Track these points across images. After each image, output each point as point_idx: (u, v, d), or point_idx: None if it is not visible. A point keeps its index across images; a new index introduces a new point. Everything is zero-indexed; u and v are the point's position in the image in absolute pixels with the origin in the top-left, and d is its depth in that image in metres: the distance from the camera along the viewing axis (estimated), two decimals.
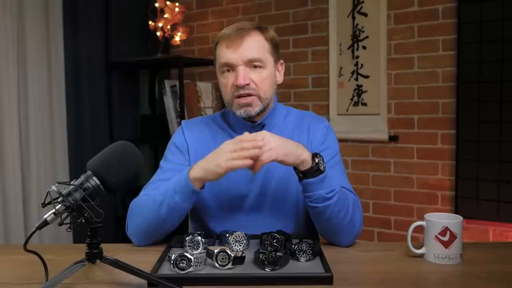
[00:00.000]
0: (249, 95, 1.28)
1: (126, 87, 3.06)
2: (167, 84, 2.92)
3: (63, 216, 0.93)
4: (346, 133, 2.77)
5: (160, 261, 1.09)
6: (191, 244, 1.15)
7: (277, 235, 1.14)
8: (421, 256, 1.15)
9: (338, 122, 2.79)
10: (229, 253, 1.04)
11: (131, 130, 3.08)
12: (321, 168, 1.15)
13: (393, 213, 2.71)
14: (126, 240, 1.33)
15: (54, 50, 2.65)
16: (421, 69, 2.58)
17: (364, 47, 2.71)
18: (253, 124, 1.34)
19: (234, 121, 1.37)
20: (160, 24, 2.93)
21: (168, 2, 2.95)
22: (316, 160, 1.15)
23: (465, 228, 2.19)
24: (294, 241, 1.13)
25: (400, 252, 1.20)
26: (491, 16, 2.33)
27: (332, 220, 1.19)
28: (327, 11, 2.81)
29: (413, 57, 2.59)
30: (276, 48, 1.35)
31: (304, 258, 1.10)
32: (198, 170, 1.17)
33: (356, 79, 2.74)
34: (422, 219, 1.15)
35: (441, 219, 1.12)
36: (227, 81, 1.30)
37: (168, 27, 2.95)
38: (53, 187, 0.92)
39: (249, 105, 1.28)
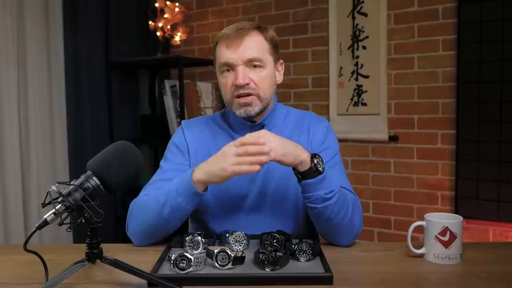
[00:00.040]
0: (249, 94, 1.28)
1: (126, 87, 3.06)
2: (167, 84, 2.92)
3: (63, 216, 0.93)
4: (346, 133, 2.77)
5: (160, 261, 1.09)
6: (191, 244, 1.15)
7: (277, 235, 1.14)
8: (421, 256, 1.15)
9: (338, 122, 2.79)
10: (229, 253, 1.04)
11: (131, 130, 3.08)
12: (320, 169, 1.15)
13: (393, 213, 2.71)
14: (126, 240, 1.33)
15: (54, 50, 2.65)
16: (421, 69, 2.58)
17: (364, 47, 2.71)
18: (253, 124, 1.34)
19: (234, 121, 1.37)
20: (160, 24, 2.93)
21: (168, 2, 2.95)
22: (315, 161, 1.15)
23: (465, 228, 2.19)
24: (294, 241, 1.13)
25: (400, 252, 1.20)
26: (491, 16, 2.33)
27: (331, 221, 1.19)
28: (327, 11, 2.81)
29: (413, 57, 2.59)
30: (276, 48, 1.35)
31: (304, 258, 1.10)
32: (201, 173, 1.17)
33: (356, 79, 2.74)
34: (422, 219, 1.15)
35: (441, 219, 1.12)
36: (226, 80, 1.30)
37: (168, 27, 2.95)
38: (53, 187, 0.92)
39: (248, 104, 1.28)
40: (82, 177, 0.96)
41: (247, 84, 1.27)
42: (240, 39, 1.27)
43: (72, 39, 2.71)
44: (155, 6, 2.93)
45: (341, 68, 2.79)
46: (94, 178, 0.96)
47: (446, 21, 2.49)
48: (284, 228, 1.25)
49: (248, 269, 1.05)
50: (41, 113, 2.58)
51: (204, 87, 3.03)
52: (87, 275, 1.05)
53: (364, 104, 2.73)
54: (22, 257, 1.05)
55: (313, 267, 1.07)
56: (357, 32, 2.72)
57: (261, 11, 3.02)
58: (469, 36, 2.40)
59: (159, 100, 3.17)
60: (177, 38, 3.00)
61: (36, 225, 0.92)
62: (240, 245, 1.18)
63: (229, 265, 1.04)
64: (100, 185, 0.96)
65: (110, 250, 1.08)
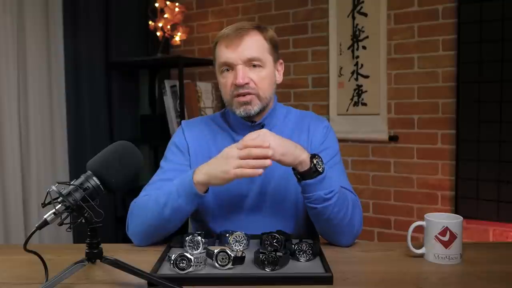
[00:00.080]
0: (248, 94, 1.28)
1: (126, 87, 3.06)
2: (167, 84, 2.92)
3: (63, 216, 0.93)
4: (346, 133, 2.77)
5: (160, 261, 1.09)
6: (191, 244, 1.15)
7: (277, 235, 1.14)
8: (421, 256, 1.15)
9: (338, 122, 2.79)
10: (229, 253, 1.04)
11: (131, 130, 3.08)
12: (320, 169, 1.15)
13: (393, 213, 2.71)
14: (126, 240, 1.33)
15: (54, 50, 2.65)
16: (421, 69, 2.58)
17: (364, 47, 2.71)
18: (253, 124, 1.34)
19: (234, 121, 1.37)
20: (160, 24, 2.93)
21: (168, 2, 2.95)
22: (315, 161, 1.15)
23: (465, 228, 2.19)
24: (294, 241, 1.13)
25: (400, 252, 1.20)
26: (491, 16, 2.33)
27: (331, 221, 1.19)
28: (327, 11, 2.81)
29: (413, 57, 2.59)
30: (275, 47, 1.35)
31: (304, 258, 1.10)
32: (202, 175, 1.16)
33: (356, 79, 2.74)
34: (422, 219, 1.15)
35: (441, 219, 1.12)
36: (226, 80, 1.30)
37: (168, 27, 2.95)
38: (53, 187, 0.92)
39: (248, 103, 1.28)
40: (82, 177, 0.96)
41: (247, 83, 1.27)
42: (239, 39, 1.27)
43: (72, 39, 2.71)
44: (155, 6, 2.93)
45: (341, 68, 2.79)
46: (94, 178, 0.96)
47: (446, 21, 2.49)
48: (284, 228, 1.25)
49: (248, 269, 1.05)
50: (41, 113, 2.58)
51: (204, 87, 3.03)
52: (87, 275, 1.05)
53: (364, 104, 2.73)
54: (22, 257, 1.05)
55: (313, 267, 1.07)
56: (357, 32, 2.72)
57: (261, 11, 3.02)
58: (469, 36, 2.40)
59: (159, 100, 3.17)
60: (177, 38, 3.00)
61: (36, 225, 0.92)
62: (240, 245, 1.18)
63: (229, 265, 1.04)
64: (100, 185, 0.96)
65: (110, 250, 1.08)
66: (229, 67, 1.29)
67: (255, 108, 1.29)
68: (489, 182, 2.38)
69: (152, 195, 1.25)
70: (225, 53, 1.28)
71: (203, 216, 1.36)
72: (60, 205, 0.92)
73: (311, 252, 1.10)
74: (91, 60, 2.81)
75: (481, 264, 1.11)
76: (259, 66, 1.29)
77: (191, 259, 1.01)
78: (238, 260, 1.05)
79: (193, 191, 1.17)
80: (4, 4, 2.38)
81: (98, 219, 0.95)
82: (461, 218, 1.13)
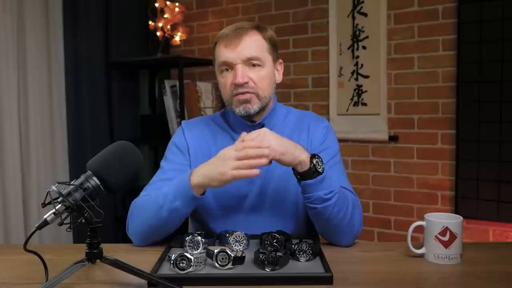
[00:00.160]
0: (248, 93, 1.28)
1: (126, 87, 3.06)
2: (167, 84, 2.92)
3: (63, 216, 0.93)
4: (346, 133, 2.77)
5: (160, 261, 1.09)
6: (191, 244, 1.15)
7: (277, 235, 1.14)
8: (421, 256, 1.15)
9: (338, 122, 2.79)
10: (229, 253, 1.04)
11: (131, 130, 3.08)
12: (319, 169, 1.15)
13: (393, 213, 2.71)
14: (126, 240, 1.33)
15: (54, 50, 2.65)
16: (421, 69, 2.58)
17: (364, 47, 2.71)
18: (253, 123, 1.34)
19: (234, 121, 1.37)
20: (160, 24, 2.93)
21: (168, 2, 2.95)
22: (314, 162, 1.14)
23: (465, 228, 2.19)
24: (294, 241, 1.13)
25: (400, 252, 1.20)
26: (491, 16, 2.33)
27: (331, 221, 1.19)
28: (327, 11, 2.81)
29: (413, 57, 2.59)
30: (275, 47, 1.35)
31: (304, 258, 1.10)
32: (199, 177, 1.16)
33: (356, 79, 2.74)
34: (422, 219, 1.15)
35: (441, 219, 1.12)
36: (226, 80, 1.30)
37: (168, 27, 2.95)
38: (53, 187, 0.92)
39: (248, 102, 1.28)
40: (82, 177, 0.96)
41: (246, 82, 1.27)
42: (238, 39, 1.27)
43: (72, 39, 2.71)
44: (155, 6, 2.93)
45: (341, 68, 2.79)
46: (94, 178, 0.96)
47: (446, 21, 2.49)
48: (284, 228, 1.25)
49: (248, 269, 1.05)
50: (41, 113, 2.58)
51: (204, 87, 3.03)
52: (87, 275, 1.05)
53: (364, 104, 2.73)
54: (22, 257, 1.05)
55: (313, 267, 1.07)
56: (357, 32, 2.72)
57: (261, 11, 3.02)
58: (469, 36, 2.40)
59: (159, 100, 3.17)
60: (177, 38, 3.00)
61: (36, 225, 0.92)
62: (240, 245, 1.18)
63: (229, 265, 1.04)
64: (100, 185, 0.96)
65: (110, 250, 1.08)
66: (229, 66, 1.29)
67: (254, 107, 1.29)
68: (489, 182, 2.38)
69: (152, 196, 1.25)
70: (224, 53, 1.29)
71: (203, 216, 1.36)
72: (60, 205, 0.92)
73: (311, 252, 1.10)
74: (91, 60, 2.81)
75: (481, 264, 1.11)
76: (259, 65, 1.29)
77: (191, 259, 1.01)
78: (238, 260, 1.05)
79: (190, 194, 1.16)
80: (4, 4, 2.38)
81: (98, 219, 0.95)
82: (461, 218, 1.13)
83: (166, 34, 2.95)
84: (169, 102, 2.91)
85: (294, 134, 1.36)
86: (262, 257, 1.04)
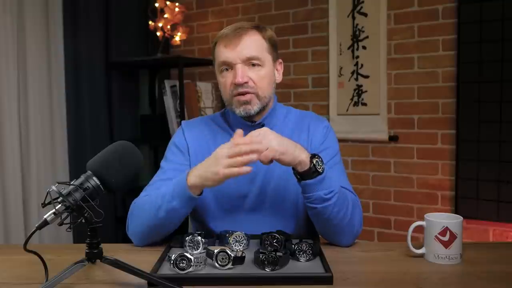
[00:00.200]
0: (248, 93, 1.28)
1: (126, 87, 3.06)
2: (167, 84, 2.92)
3: (63, 216, 0.93)
4: (346, 133, 2.77)
5: (160, 261, 1.09)
6: (191, 244, 1.15)
7: (277, 235, 1.14)
8: (421, 256, 1.15)
9: (338, 122, 2.78)
10: (229, 253, 1.04)
11: (131, 130, 3.08)
12: (319, 169, 1.14)
13: (393, 213, 2.71)
14: (126, 240, 1.33)
15: (54, 50, 2.65)
16: (421, 69, 2.58)
17: (364, 47, 2.71)
18: (253, 123, 1.34)
19: (234, 121, 1.37)
20: (160, 24, 2.93)
21: (168, 2, 2.95)
22: (314, 161, 1.14)
23: (465, 228, 2.19)
24: (294, 241, 1.13)
25: (400, 252, 1.20)
26: (491, 16, 2.33)
27: (331, 221, 1.19)
28: (327, 11, 2.81)
29: (413, 57, 2.59)
30: (274, 47, 1.35)
31: (304, 258, 1.10)
32: (195, 177, 1.16)
33: (356, 79, 2.74)
34: (422, 219, 1.15)
35: (441, 219, 1.12)
36: (225, 80, 1.30)
37: (168, 27, 2.95)
38: (53, 187, 0.92)
39: (248, 103, 1.28)
40: (82, 177, 0.96)
41: (246, 82, 1.27)
42: (238, 38, 1.27)
43: (72, 39, 2.71)
44: (155, 6, 2.93)
45: (341, 68, 2.79)
46: (94, 178, 0.96)
47: (446, 21, 2.49)
48: (284, 228, 1.25)
49: (248, 269, 1.05)
50: (41, 113, 2.58)
51: (204, 87, 3.03)
52: (87, 275, 1.05)
53: (364, 104, 2.73)
54: (22, 257, 1.05)
55: (313, 267, 1.07)
56: (357, 32, 2.72)
57: (261, 11, 3.02)
58: (469, 36, 2.40)
59: (159, 100, 3.17)
60: (177, 38, 3.00)
61: (36, 225, 0.92)
62: (240, 245, 1.18)
63: (229, 265, 1.04)
64: (100, 185, 0.96)
65: (110, 250, 1.08)
66: (228, 66, 1.29)
67: (254, 107, 1.29)
68: (489, 182, 2.38)
69: (150, 196, 1.25)
70: (224, 53, 1.29)
71: (203, 216, 1.36)
72: (60, 205, 0.92)
73: (311, 252, 1.10)
74: (91, 60, 2.81)
75: (481, 264, 1.11)
76: (258, 65, 1.29)
77: (191, 259, 1.01)
78: (238, 260, 1.05)
79: (187, 194, 1.16)
80: (4, 4, 2.38)
81: (98, 219, 0.95)
82: (461, 218, 1.13)
83: (166, 34, 2.95)
84: (169, 102, 2.91)
85: (294, 134, 1.36)
86: (262, 257, 1.04)
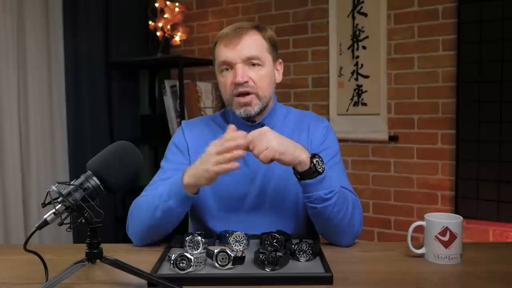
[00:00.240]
0: (248, 93, 1.28)
1: (126, 87, 3.06)
2: (167, 84, 2.92)
3: (63, 216, 0.93)
4: (346, 133, 2.77)
5: (160, 261, 1.09)
6: (191, 244, 1.15)
7: (277, 235, 1.14)
8: (421, 256, 1.15)
9: (338, 122, 2.79)
10: (229, 253, 1.04)
11: (131, 130, 3.08)
12: (320, 169, 1.14)
13: (393, 213, 2.71)
14: (126, 240, 1.33)
15: (54, 50, 2.65)
16: (421, 69, 2.58)
17: (364, 47, 2.71)
18: (253, 123, 1.34)
19: (234, 121, 1.36)
20: (160, 24, 2.93)
21: (168, 2, 2.95)
22: (314, 161, 1.14)
23: (465, 228, 2.19)
24: (294, 241, 1.13)
25: (400, 252, 1.20)
26: (491, 16, 2.33)
27: (331, 221, 1.19)
28: (327, 11, 2.81)
29: (413, 57, 2.59)
30: (274, 47, 1.35)
31: (304, 258, 1.10)
32: (189, 177, 1.16)
33: (356, 79, 2.74)
34: (422, 219, 1.15)
35: (441, 219, 1.12)
36: (226, 79, 1.31)
37: (168, 27, 2.95)
38: (53, 187, 0.92)
39: (248, 104, 1.28)
40: (82, 177, 0.96)
41: (246, 82, 1.27)
42: (238, 38, 1.28)
43: (72, 39, 2.71)
44: (155, 6, 2.93)
45: (341, 68, 2.79)
46: (94, 178, 0.96)
47: (446, 21, 2.49)
48: (284, 228, 1.25)
49: (248, 269, 1.05)
50: (41, 113, 2.58)
51: (204, 87, 3.03)
52: (87, 275, 1.05)
53: (364, 104, 2.73)
54: (22, 257, 1.05)
55: (313, 267, 1.07)
56: (357, 32, 2.72)
57: (261, 11, 3.02)
58: (469, 36, 2.40)
59: (159, 100, 3.17)
60: (177, 38, 3.00)
61: (36, 225, 0.92)
62: (240, 245, 1.18)
63: (229, 265, 1.04)
64: (100, 185, 0.96)
65: (110, 250, 1.08)
66: (229, 66, 1.29)
67: (255, 108, 1.29)
68: (489, 182, 2.38)
69: (148, 196, 1.26)
70: (224, 52, 1.29)
71: (203, 216, 1.36)
72: (60, 205, 0.92)
73: (311, 252, 1.10)
74: (91, 60, 2.81)
75: (481, 264, 1.11)
76: (258, 64, 1.29)
77: (191, 259, 1.01)
78: (238, 260, 1.05)
79: (183, 193, 1.17)
80: (4, 4, 2.38)
81: (98, 219, 0.95)
82: (461, 218, 1.13)
83: (166, 34, 2.95)
84: (169, 102, 2.91)
85: (294, 134, 1.36)
86: (262, 257, 1.04)
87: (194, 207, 1.38)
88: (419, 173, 2.62)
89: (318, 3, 2.84)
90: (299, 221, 1.34)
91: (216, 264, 1.05)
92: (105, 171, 0.97)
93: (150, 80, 3.25)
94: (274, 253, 1.04)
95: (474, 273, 1.06)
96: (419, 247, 1.15)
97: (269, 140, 1.12)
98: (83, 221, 0.94)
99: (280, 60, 1.40)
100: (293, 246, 1.11)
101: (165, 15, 2.92)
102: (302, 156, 1.14)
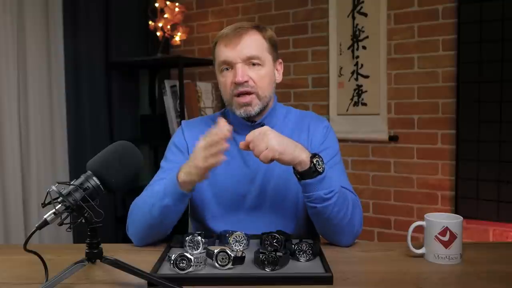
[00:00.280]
0: (248, 93, 1.28)
1: (126, 87, 3.06)
2: (167, 84, 2.92)
3: (63, 216, 0.93)
4: (346, 133, 2.77)
5: (160, 261, 1.09)
6: (191, 244, 1.15)
7: (277, 235, 1.14)
8: (421, 256, 1.15)
9: (338, 122, 2.79)
10: (229, 253, 1.04)
11: (131, 130, 3.08)
12: (320, 169, 1.14)
13: (393, 213, 2.71)
14: (126, 240, 1.33)
15: (54, 50, 2.65)
16: (421, 69, 2.58)
17: (364, 47, 2.71)
18: (253, 123, 1.34)
19: (234, 121, 1.36)
20: (160, 24, 2.93)
21: (168, 2, 2.95)
22: (314, 161, 1.14)
23: (465, 228, 2.19)
24: (294, 241, 1.13)
25: (400, 252, 1.20)
26: (491, 16, 2.33)
27: (331, 220, 1.19)
28: (327, 11, 2.81)
29: (413, 57, 2.59)
30: (274, 47, 1.35)
31: (304, 258, 1.10)
32: (182, 174, 1.17)
33: (356, 79, 2.74)
34: (422, 219, 1.15)
35: (441, 219, 1.12)
36: (226, 79, 1.31)
37: (168, 27, 2.95)
38: (53, 187, 0.92)
39: (248, 104, 1.29)
40: (82, 177, 0.96)
41: (246, 81, 1.27)
42: (238, 38, 1.28)
43: (72, 39, 2.71)
44: (155, 6, 2.93)
45: (341, 68, 2.79)
46: (94, 178, 0.96)
47: (446, 21, 2.49)
48: (284, 227, 1.25)
49: (248, 269, 1.05)
50: (41, 113, 2.58)
51: (204, 87, 3.03)
52: (87, 275, 1.05)
53: (364, 104, 2.73)
54: (22, 257, 1.05)
55: (313, 267, 1.07)
56: (357, 32, 2.72)
57: (261, 11, 3.02)
58: (469, 36, 2.40)
59: (159, 100, 3.17)
60: (177, 38, 3.00)
61: (36, 225, 0.92)
62: (240, 245, 1.18)
63: (229, 265, 1.04)
64: (100, 185, 0.96)
65: (110, 250, 1.08)
66: (229, 65, 1.29)
67: (255, 108, 1.30)
68: (489, 182, 2.38)
69: (146, 196, 1.26)
70: (224, 52, 1.29)
71: (203, 216, 1.36)
72: (60, 205, 0.92)
73: (311, 252, 1.10)
74: (91, 60, 2.81)
75: (481, 264, 1.11)
76: (258, 64, 1.29)
77: (191, 259, 1.01)
78: (238, 260, 1.05)
79: (178, 191, 1.17)
80: (4, 4, 2.38)
81: (98, 219, 0.95)
82: (461, 218, 1.13)
83: (166, 34, 2.95)
84: (169, 102, 2.91)
85: (294, 134, 1.36)
86: (262, 257, 1.04)
87: (194, 207, 1.38)
88: (419, 173, 2.62)
89: (318, 3, 2.84)
90: (299, 221, 1.34)
91: (216, 264, 1.05)
92: (105, 171, 0.97)
93: (150, 80, 3.25)
94: (274, 253, 1.04)
95: (474, 273, 1.06)
96: (419, 247, 1.15)
97: (269, 140, 1.12)
98: (83, 221, 0.94)
99: (280, 60, 1.40)
100: (293, 246, 1.11)
101: (165, 15, 2.92)
102: (302, 155, 1.14)
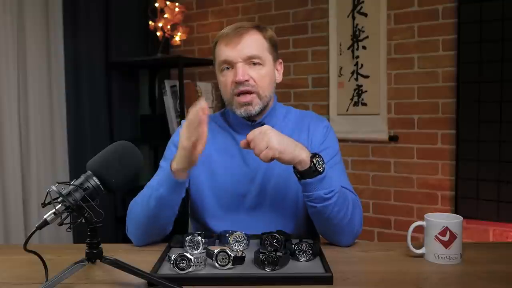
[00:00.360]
0: (249, 92, 1.28)
1: (126, 87, 3.06)
2: (167, 84, 2.92)
3: (63, 216, 0.93)
4: (346, 133, 2.77)
5: (160, 261, 1.09)
6: (191, 244, 1.15)
7: (277, 235, 1.14)
8: (421, 256, 1.15)
9: (338, 122, 2.78)
10: (229, 253, 1.04)
11: (131, 130, 3.08)
12: (319, 169, 1.14)
13: (393, 213, 2.71)
14: (126, 240, 1.33)
15: (54, 50, 2.65)
16: (421, 69, 2.58)
17: (364, 47, 2.71)
18: (253, 123, 1.34)
19: (234, 121, 1.37)
20: (160, 24, 2.93)
21: (168, 2, 2.95)
22: (315, 161, 1.14)
23: (465, 228, 2.19)
24: (294, 241, 1.13)
25: (400, 252, 1.20)
26: (491, 16, 2.33)
27: (331, 220, 1.19)
28: (327, 11, 2.81)
29: (413, 57, 2.59)
30: (275, 47, 1.35)
31: (304, 258, 1.10)
32: (175, 162, 1.17)
33: (356, 79, 2.74)
34: (422, 219, 1.15)
35: (441, 219, 1.12)
36: (226, 79, 1.31)
37: (168, 27, 2.95)
38: (53, 187, 0.92)
39: (249, 104, 1.29)
40: (82, 177, 0.96)
41: (247, 80, 1.27)
42: (239, 37, 1.28)
43: (72, 39, 2.71)
44: (155, 6, 2.93)
45: (341, 68, 2.79)
46: (94, 178, 0.96)
47: (446, 21, 2.49)
48: (284, 227, 1.25)
49: (248, 269, 1.05)
50: (41, 113, 2.58)
51: (204, 87, 3.03)
52: (87, 275, 1.05)
53: (364, 104, 2.73)
54: (22, 257, 1.05)
55: (313, 267, 1.07)
56: (357, 32, 2.72)
57: (261, 11, 3.02)
58: (469, 36, 2.40)
59: (159, 100, 3.17)
60: (177, 38, 3.00)
61: (36, 225, 0.92)
62: (240, 245, 1.18)
63: (229, 265, 1.04)
64: (100, 185, 0.96)
65: (110, 250, 1.08)
66: (229, 65, 1.30)
67: (256, 108, 1.30)
68: (489, 182, 2.38)
69: (144, 190, 1.26)
70: (224, 51, 1.29)
71: (203, 216, 1.36)
72: (60, 205, 0.92)
73: (311, 252, 1.10)
74: (91, 60, 2.81)
75: (481, 264, 1.11)
76: (259, 64, 1.30)
77: (191, 259, 1.01)
78: (238, 260, 1.05)
79: (172, 180, 1.17)
80: (4, 4, 2.38)
81: (98, 219, 0.95)
82: (461, 218, 1.13)
83: (166, 34, 2.95)
84: (169, 102, 2.91)
85: (294, 134, 1.36)
86: (262, 257, 1.04)
87: (194, 207, 1.38)
88: (419, 173, 2.62)
89: (318, 3, 2.84)
90: (299, 220, 1.34)
91: (216, 264, 1.05)
92: (105, 171, 0.97)
93: (150, 80, 3.25)
94: (274, 253, 1.04)
95: (474, 273, 1.06)
96: (419, 247, 1.15)
97: (270, 139, 1.12)
98: (83, 221, 0.94)
99: (280, 60, 1.40)
100: (293, 246, 1.11)
101: (165, 15, 2.92)
102: (302, 155, 1.14)
